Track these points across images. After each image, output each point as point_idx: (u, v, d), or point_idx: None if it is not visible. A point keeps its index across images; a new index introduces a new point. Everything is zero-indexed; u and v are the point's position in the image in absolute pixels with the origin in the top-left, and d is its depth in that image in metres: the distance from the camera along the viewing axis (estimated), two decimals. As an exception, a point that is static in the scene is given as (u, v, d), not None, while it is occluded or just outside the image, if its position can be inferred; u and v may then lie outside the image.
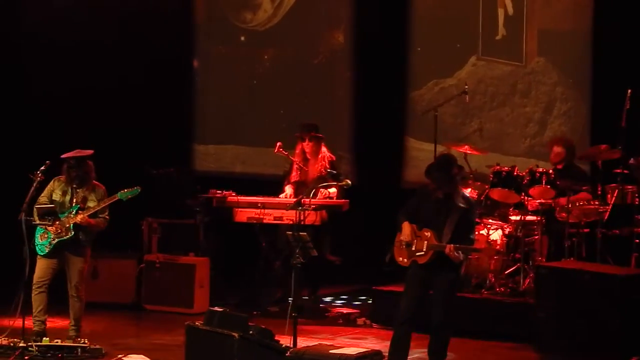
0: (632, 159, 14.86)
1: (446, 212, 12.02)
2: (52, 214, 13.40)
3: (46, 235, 13.48)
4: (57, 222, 13.42)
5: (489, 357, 13.63)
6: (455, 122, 16.46)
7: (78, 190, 13.57)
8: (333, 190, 15.22)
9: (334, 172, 15.44)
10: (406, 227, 12.10)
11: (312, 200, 14.28)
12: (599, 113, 16.25)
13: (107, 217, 13.69)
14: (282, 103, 16.68)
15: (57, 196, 13.64)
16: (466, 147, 15.79)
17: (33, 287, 13.65)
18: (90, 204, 13.53)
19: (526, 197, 15.00)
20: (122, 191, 13.64)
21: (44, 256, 13.61)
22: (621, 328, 13.25)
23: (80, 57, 18.34)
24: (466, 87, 16.70)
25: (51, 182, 13.77)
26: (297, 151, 15.79)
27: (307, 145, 15.49)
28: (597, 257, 14.27)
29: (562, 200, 14.56)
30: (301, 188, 15.01)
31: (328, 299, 16.04)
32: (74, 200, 13.53)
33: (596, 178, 14.80)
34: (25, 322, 13.34)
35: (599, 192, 14.56)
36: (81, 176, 13.55)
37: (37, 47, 18.83)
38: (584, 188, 14.65)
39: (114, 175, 14.14)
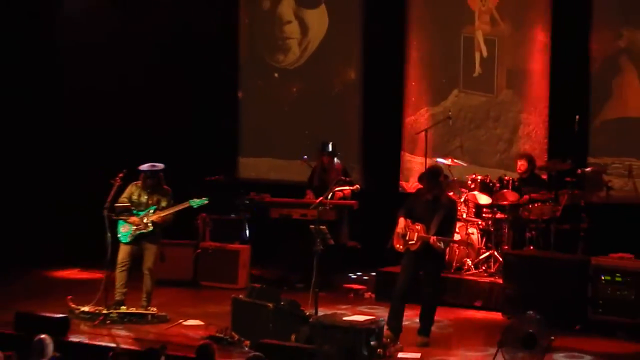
0: (579, 169, 14.95)
1: (433, 210, 12.15)
2: (127, 211, 13.68)
3: (127, 227, 13.67)
4: (136, 218, 13.57)
5: (467, 322, 13.72)
6: (442, 140, 16.50)
7: (153, 194, 13.70)
8: (347, 189, 15.18)
9: (348, 179, 15.53)
10: (401, 221, 12.27)
11: (329, 200, 14.38)
12: (554, 134, 16.28)
13: (173, 215, 13.82)
14: (306, 125, 16.74)
15: (135, 198, 13.86)
16: (450, 159, 15.87)
17: (117, 267, 13.88)
18: (163, 204, 13.74)
19: (496, 199, 15.00)
20: (193, 199, 13.87)
21: (126, 243, 13.83)
22: (568, 301, 13.30)
23: (148, 85, 18.25)
24: (450, 113, 16.82)
25: (129, 187, 13.94)
26: (318, 163, 15.81)
27: (325, 159, 15.61)
28: (551, 247, 14.27)
29: (529, 202, 14.58)
30: (320, 191, 14.97)
31: (342, 277, 15.93)
32: (150, 202, 13.67)
33: (551, 185, 14.78)
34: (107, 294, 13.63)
35: (553, 196, 14.54)
36: (155, 184, 13.77)
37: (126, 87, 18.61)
38: (541, 192, 14.65)
39: (178, 182, 14.21)
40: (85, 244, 15.75)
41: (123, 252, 13.82)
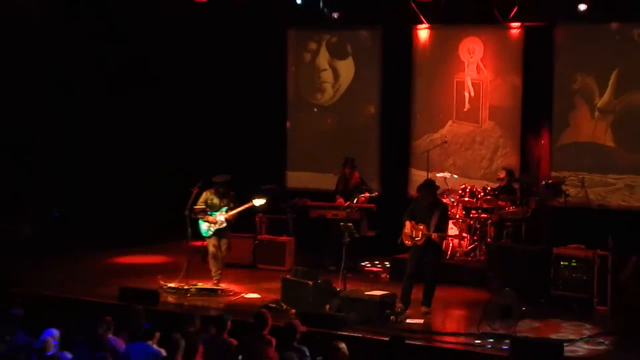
0: (543, 181, 15.07)
1: (431, 214, 12.28)
2: (204, 212, 13.83)
3: (207, 225, 13.84)
4: (210, 217, 13.79)
5: (459, 296, 13.84)
6: (440, 159, 16.54)
7: (223, 198, 13.85)
8: (366, 195, 15.25)
9: (365, 187, 15.69)
10: (407, 224, 12.48)
11: (354, 204, 14.59)
12: (525, 154, 16.41)
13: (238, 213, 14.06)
14: (337, 147, 16.86)
15: (210, 202, 13.98)
16: (446, 173, 16.03)
17: (209, 256, 14.28)
18: (231, 205, 13.91)
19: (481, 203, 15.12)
20: (256, 200, 14.20)
21: (206, 237, 14.09)
22: (535, 281, 13.48)
23: (223, 114, 18.40)
24: (446, 138, 16.96)
25: (205, 193, 14.08)
26: (342, 173, 15.90)
27: (347, 170, 15.66)
28: (522, 239, 14.40)
29: (506, 206, 14.68)
30: (343, 194, 15.25)
31: (365, 262, 16.06)
32: (221, 204, 13.86)
33: (522, 193, 14.88)
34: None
35: (524, 201, 14.66)
36: (225, 191, 13.92)
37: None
38: (514, 199, 14.75)
39: (242, 189, 14.31)
40: (171, 235, 15.64)
41: (210, 245, 14.10)
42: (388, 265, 15.58)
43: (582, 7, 14.70)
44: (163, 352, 9.64)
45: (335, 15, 16.53)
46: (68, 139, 18.34)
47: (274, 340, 9.86)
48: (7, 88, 17.29)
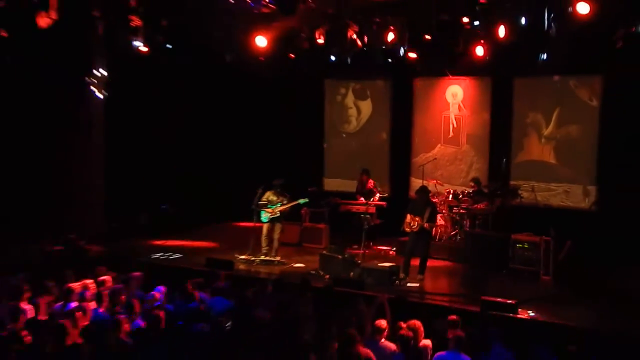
0: (505, 187, 15.05)
1: (424, 209, 12.31)
2: (265, 206, 13.84)
3: (266, 215, 13.88)
4: (269, 209, 13.79)
5: (443, 268, 13.72)
6: (431, 171, 16.42)
7: (279, 196, 13.86)
8: (378, 196, 15.21)
9: (378, 189, 15.64)
10: (408, 216, 12.47)
11: (370, 202, 14.62)
12: (492, 169, 16.31)
13: (290, 208, 14.10)
14: (359, 162, 16.65)
15: (270, 198, 13.93)
16: (435, 181, 15.93)
17: (262, 236, 14.03)
18: (284, 201, 13.93)
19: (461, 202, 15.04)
20: (302, 199, 14.15)
21: (265, 223, 13.98)
22: (499, 258, 13.52)
23: (279, 138, 18.33)
24: (435, 157, 16.88)
25: (267, 193, 14.02)
26: (360, 179, 15.79)
27: (364, 177, 15.56)
28: (489, 228, 14.28)
29: (478, 205, 14.57)
30: (364, 196, 15.16)
31: (377, 242, 15.73)
32: (277, 201, 13.87)
33: (489, 195, 14.69)
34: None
35: (491, 201, 14.55)
36: (281, 191, 13.98)
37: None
38: (484, 200, 14.63)
39: (292, 190, 14.21)
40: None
41: (265, 228, 14.02)
42: (394, 245, 15.27)
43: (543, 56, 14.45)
44: (233, 303, 9.70)
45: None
46: (166, 150, 18.21)
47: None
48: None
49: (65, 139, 15.92)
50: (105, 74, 16.44)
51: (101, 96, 16.57)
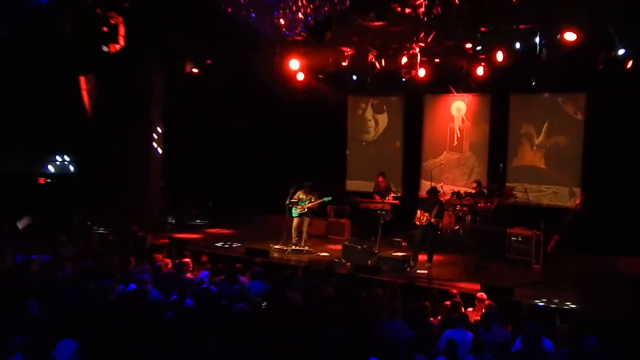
0: (502, 188, 14.89)
1: (432, 207, 12.24)
2: (295, 203, 13.81)
3: (297, 211, 13.86)
4: (299, 206, 13.73)
5: (449, 258, 13.41)
6: (438, 174, 16.35)
7: (308, 195, 13.81)
8: (392, 195, 15.06)
9: (392, 190, 15.55)
10: (418, 212, 12.43)
11: (386, 200, 14.49)
12: (490, 172, 16.03)
13: (317, 205, 13.98)
14: (377, 166, 16.46)
15: (300, 197, 13.90)
16: (442, 184, 15.86)
17: (293, 229, 13.94)
18: (312, 199, 13.84)
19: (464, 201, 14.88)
20: (326, 197, 14.02)
21: (296, 217, 13.91)
22: (496, 248, 13.36)
23: (309, 148, 17.92)
24: (442, 162, 16.79)
25: (299, 191, 13.97)
26: (376, 181, 15.69)
27: (380, 179, 15.47)
28: (489, 223, 14.11)
29: (478, 203, 14.45)
30: (380, 195, 14.94)
31: (392, 235, 15.48)
32: (306, 198, 13.82)
33: (488, 195, 14.55)
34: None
35: (490, 200, 14.41)
36: (310, 190, 13.91)
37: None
38: (483, 199, 14.51)
39: (320, 190, 14.14)
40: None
41: (295, 222, 13.94)
42: (406, 237, 15.17)
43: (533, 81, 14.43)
44: (269, 286, 9.68)
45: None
46: (214, 156, 18.26)
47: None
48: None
49: (132, 150, 16.15)
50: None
51: (160, 130, 16.92)
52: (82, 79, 15.91)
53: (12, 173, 16.78)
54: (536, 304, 9.89)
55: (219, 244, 14.50)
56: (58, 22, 13.17)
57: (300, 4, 8.04)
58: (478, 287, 10.31)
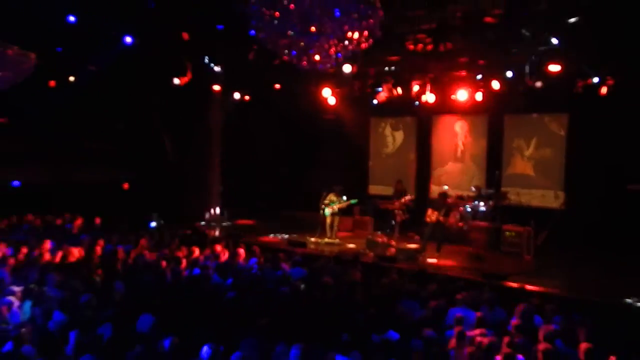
0: (498, 192, 14.61)
1: (441, 207, 12.47)
2: (328, 204, 13.78)
3: (329, 210, 13.88)
4: (330, 207, 13.73)
5: (456, 249, 13.18)
6: (444, 180, 16.11)
7: (338, 197, 13.83)
8: (407, 197, 14.82)
9: (408, 193, 15.38)
10: (428, 211, 12.69)
11: (401, 202, 14.38)
12: (489, 178, 15.61)
13: (346, 206, 13.97)
14: (393, 174, 16.26)
15: (332, 199, 13.88)
16: (447, 187, 15.41)
17: (326, 225, 13.91)
18: (341, 202, 13.82)
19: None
20: (353, 199, 14.06)
21: (328, 216, 13.89)
22: (494, 242, 13.23)
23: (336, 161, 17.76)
24: (447, 171, 16.59)
25: (330, 194, 13.94)
26: (395, 185, 15.23)
27: (397, 184, 14.97)
28: (488, 221, 13.93)
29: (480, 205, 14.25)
30: (397, 198, 14.58)
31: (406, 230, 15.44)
32: (336, 200, 13.79)
33: (487, 198, 14.41)
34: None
35: (487, 202, 14.23)
36: (339, 193, 13.84)
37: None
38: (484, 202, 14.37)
39: (347, 193, 14.16)
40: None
41: (328, 220, 13.91)
42: (417, 232, 15.10)
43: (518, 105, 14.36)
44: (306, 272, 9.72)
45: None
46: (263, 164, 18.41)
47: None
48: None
49: (196, 163, 16.32)
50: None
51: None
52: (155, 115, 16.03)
53: (101, 181, 17.00)
54: (526, 288, 9.76)
55: (266, 237, 14.50)
56: (140, 59, 13.44)
57: (332, 43, 8.08)
58: (478, 274, 10.30)
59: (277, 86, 15.82)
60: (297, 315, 7.25)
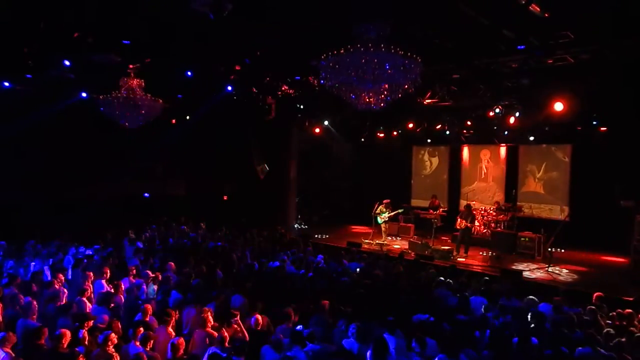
0: (515, 206, 14.08)
1: (468, 217, 11.94)
2: (379, 214, 13.56)
3: (380, 219, 13.54)
4: (381, 216, 13.51)
5: (478, 252, 12.61)
6: (471, 197, 15.54)
7: (387, 208, 13.61)
8: (441, 209, 14.56)
9: (442, 206, 15.04)
10: (458, 219, 12.41)
11: (436, 213, 14.04)
12: (507, 195, 15.17)
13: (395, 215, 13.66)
14: (431, 190, 16.08)
15: (382, 210, 13.59)
16: (474, 202, 14.95)
17: (382, 231, 13.58)
18: (390, 212, 13.55)
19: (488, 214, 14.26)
20: (399, 210, 13.84)
21: (379, 224, 13.59)
22: (511, 246, 12.62)
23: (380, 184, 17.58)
24: (474, 189, 15.98)
25: (380, 206, 13.69)
26: (431, 199, 15.19)
27: (433, 199, 14.90)
28: (505, 229, 13.44)
29: (499, 215, 13.79)
30: (433, 209, 14.48)
31: (441, 235, 15.02)
32: (386, 211, 13.56)
33: (505, 210, 13.87)
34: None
35: (506, 214, 13.74)
36: (388, 204, 13.58)
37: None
38: (503, 213, 13.86)
39: (395, 206, 13.85)
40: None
41: (382, 227, 13.67)
42: (450, 236, 14.67)
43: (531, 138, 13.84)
44: (362, 266, 9.56)
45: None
46: (325, 186, 18.27)
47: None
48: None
49: (278, 180, 16.34)
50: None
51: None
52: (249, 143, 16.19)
53: (206, 193, 17.37)
54: (537, 282, 9.41)
55: (331, 238, 14.32)
56: (237, 102, 13.73)
57: (382, 89, 8.06)
58: (498, 270, 9.91)
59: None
60: (354, 299, 7.17)
